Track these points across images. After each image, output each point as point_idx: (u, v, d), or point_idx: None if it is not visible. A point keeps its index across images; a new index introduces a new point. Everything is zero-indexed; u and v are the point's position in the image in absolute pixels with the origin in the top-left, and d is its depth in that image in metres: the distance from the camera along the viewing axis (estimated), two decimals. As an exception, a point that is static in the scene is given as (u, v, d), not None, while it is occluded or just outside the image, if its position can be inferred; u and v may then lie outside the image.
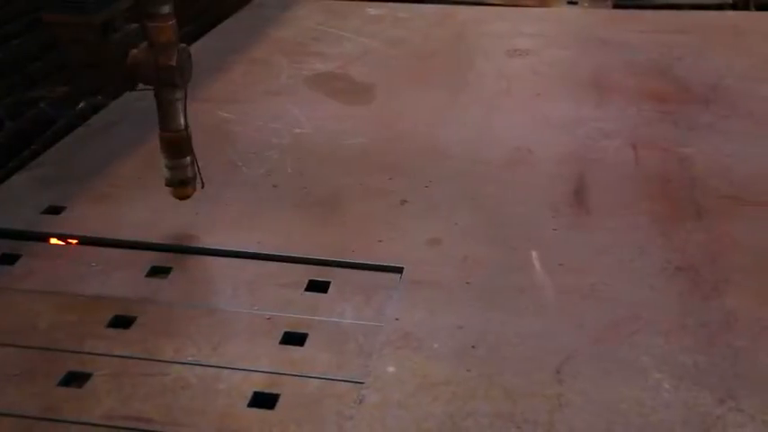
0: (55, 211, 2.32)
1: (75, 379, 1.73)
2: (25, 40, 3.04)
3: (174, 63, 1.94)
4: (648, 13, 4.09)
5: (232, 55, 3.49)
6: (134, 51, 1.96)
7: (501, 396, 1.66)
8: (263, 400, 1.67)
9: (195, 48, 3.55)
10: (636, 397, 1.66)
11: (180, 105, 2.02)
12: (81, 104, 3.04)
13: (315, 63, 3.42)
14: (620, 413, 1.62)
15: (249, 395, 1.68)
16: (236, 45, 3.62)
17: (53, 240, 2.21)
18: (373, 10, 4.11)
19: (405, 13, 4.06)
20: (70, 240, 2.21)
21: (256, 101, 3.06)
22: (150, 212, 2.28)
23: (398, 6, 4.16)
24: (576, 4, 4.38)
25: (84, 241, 2.20)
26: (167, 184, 2.13)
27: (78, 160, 2.62)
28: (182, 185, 2.13)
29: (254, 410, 1.65)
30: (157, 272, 2.07)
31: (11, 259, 2.12)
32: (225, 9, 4.09)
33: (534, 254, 2.11)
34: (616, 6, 4.27)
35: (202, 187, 2.17)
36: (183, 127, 2.05)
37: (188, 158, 2.09)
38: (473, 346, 1.80)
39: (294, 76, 3.29)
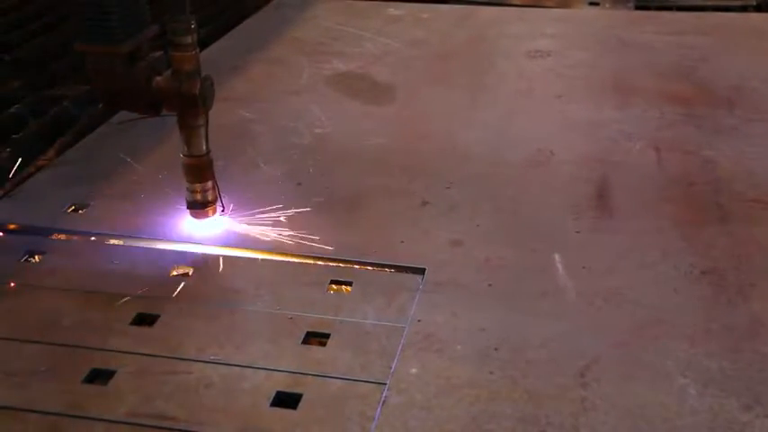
0: (79, 208, 2.34)
1: (100, 376, 1.74)
2: (48, 39, 3.07)
3: (197, 91, 1.98)
4: (670, 15, 4.07)
5: (252, 54, 3.51)
6: (158, 79, 2.00)
7: (524, 399, 1.66)
8: (286, 400, 1.67)
9: (216, 47, 3.61)
10: (661, 402, 1.64)
11: (202, 131, 2.06)
12: (103, 103, 3.06)
13: (335, 63, 3.43)
14: (644, 418, 1.61)
15: (272, 395, 1.68)
16: (256, 45, 3.63)
17: (77, 238, 2.23)
18: (394, 10, 4.11)
19: (426, 14, 4.06)
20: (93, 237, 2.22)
21: (277, 100, 3.07)
22: (173, 211, 2.29)
23: (419, 6, 4.16)
24: (597, 5, 4.36)
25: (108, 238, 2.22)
26: (189, 207, 2.16)
27: (102, 158, 2.63)
28: (203, 208, 2.15)
29: (277, 410, 1.65)
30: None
31: (35, 256, 2.14)
32: (245, 9, 4.11)
33: (557, 256, 2.10)
34: (638, 8, 4.25)
35: (223, 211, 2.20)
36: (205, 152, 2.09)
37: (209, 183, 2.13)
38: (496, 349, 1.79)
39: (314, 76, 3.30)
